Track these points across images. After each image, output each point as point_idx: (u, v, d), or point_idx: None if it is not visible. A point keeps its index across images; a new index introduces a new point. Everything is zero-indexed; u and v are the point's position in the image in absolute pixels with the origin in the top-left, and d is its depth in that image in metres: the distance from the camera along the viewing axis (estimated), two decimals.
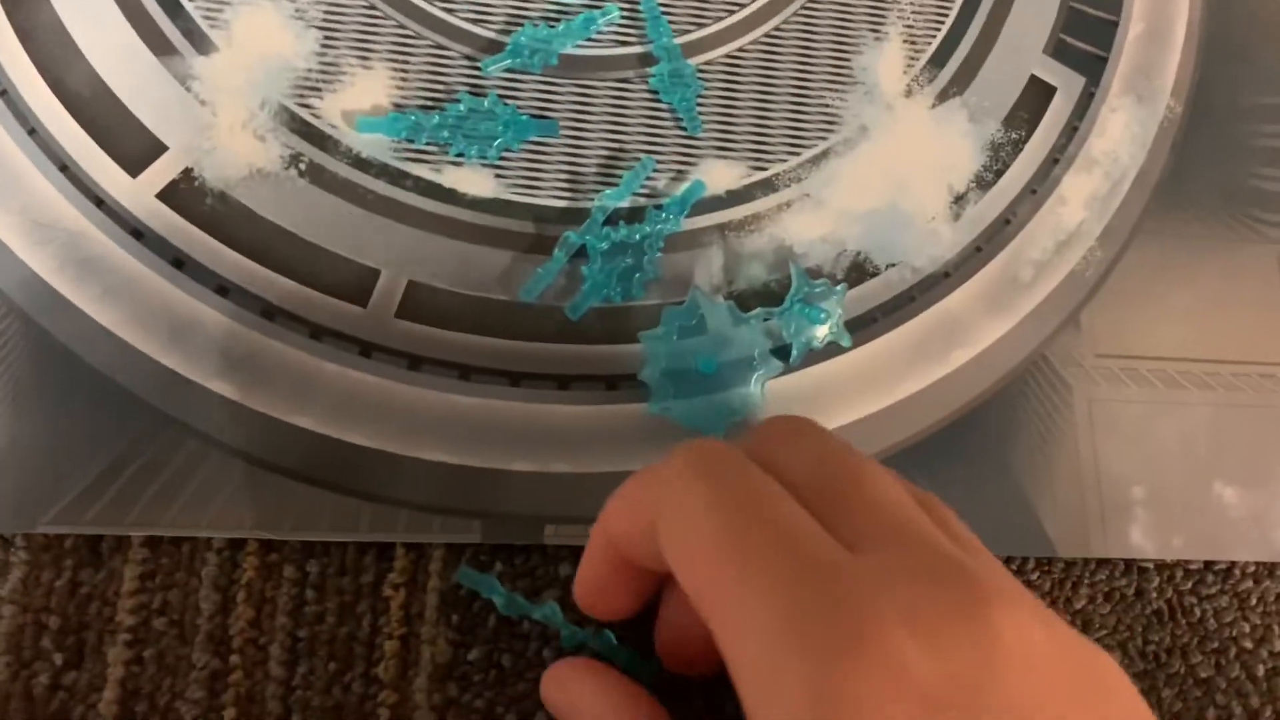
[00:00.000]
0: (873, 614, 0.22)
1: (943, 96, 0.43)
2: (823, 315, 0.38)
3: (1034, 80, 0.43)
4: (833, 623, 0.22)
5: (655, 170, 0.40)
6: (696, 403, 0.38)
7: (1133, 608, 0.38)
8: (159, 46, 0.39)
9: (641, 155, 0.40)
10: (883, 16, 0.43)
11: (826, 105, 0.42)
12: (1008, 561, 0.38)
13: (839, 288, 0.39)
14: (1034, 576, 0.38)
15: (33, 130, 0.38)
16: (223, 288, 0.37)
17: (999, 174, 0.42)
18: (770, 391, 0.38)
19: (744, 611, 0.23)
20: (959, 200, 0.42)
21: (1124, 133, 0.43)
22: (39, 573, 0.34)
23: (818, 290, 0.39)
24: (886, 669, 0.21)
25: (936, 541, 0.25)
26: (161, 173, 0.38)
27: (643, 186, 0.40)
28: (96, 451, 0.35)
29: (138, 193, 0.37)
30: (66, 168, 0.37)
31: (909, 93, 0.42)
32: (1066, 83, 0.43)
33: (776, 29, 0.42)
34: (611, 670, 0.32)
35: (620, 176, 0.40)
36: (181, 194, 0.38)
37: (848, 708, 0.21)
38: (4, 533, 0.34)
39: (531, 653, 0.35)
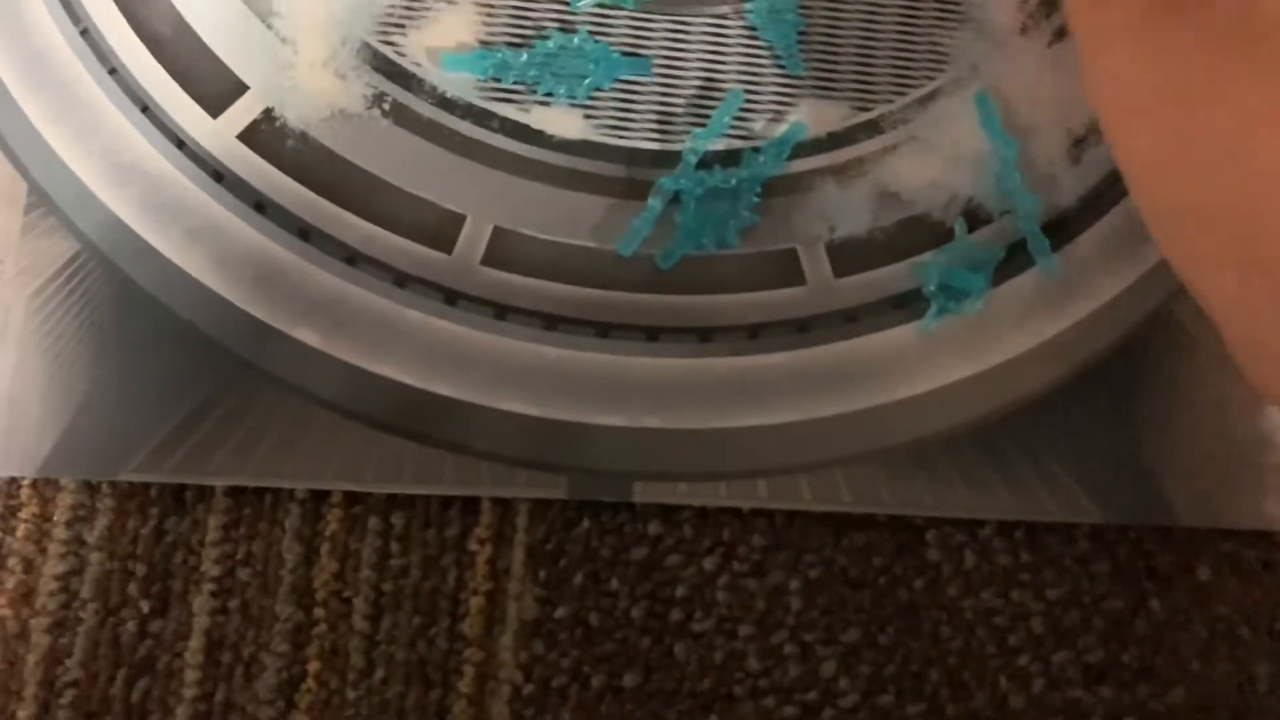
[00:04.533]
0: None
1: (1061, 34, 0.39)
2: (977, 284, 0.36)
3: None
4: None
5: (752, 111, 0.38)
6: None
7: (1260, 581, 0.35)
8: None
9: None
10: None
11: (935, 43, 0.39)
12: (1123, 530, 0.36)
13: (994, 252, 0.36)
14: (1151, 545, 0.36)
15: (113, 70, 0.37)
16: (304, 232, 0.36)
17: None
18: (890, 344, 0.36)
19: None
20: (1078, 144, 0.38)
21: None
22: (125, 520, 0.34)
23: (977, 255, 0.36)
24: None
25: None
26: (242, 113, 0.36)
27: (739, 128, 0.38)
28: (179, 399, 0.34)
29: (219, 134, 0.36)
30: (147, 108, 0.36)
31: (1024, 29, 0.39)
32: None
33: None
34: None
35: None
36: (262, 135, 0.36)
37: None
38: (90, 479, 0.34)
39: (620, 611, 0.34)
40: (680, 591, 0.34)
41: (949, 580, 0.35)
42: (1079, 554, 0.35)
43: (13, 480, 0.34)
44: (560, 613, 0.34)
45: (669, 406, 0.36)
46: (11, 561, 0.33)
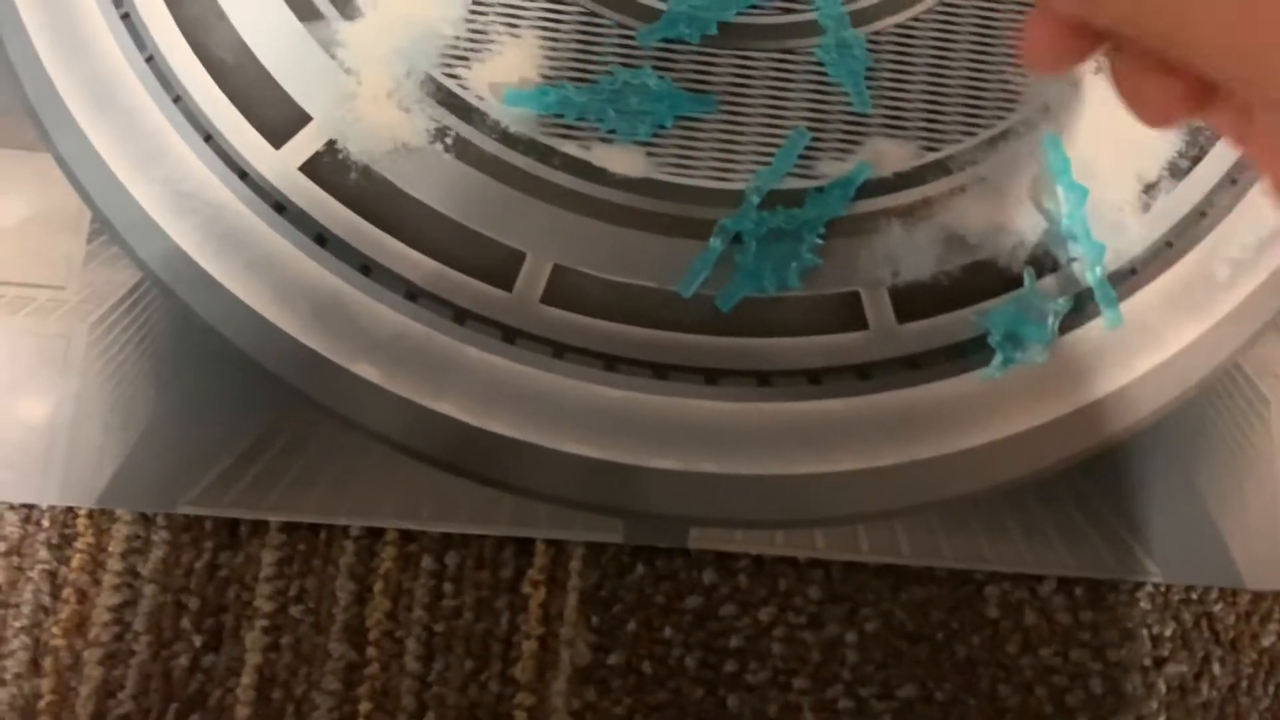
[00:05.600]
0: None
1: None
2: (1043, 335, 0.35)
3: None
4: None
5: (817, 150, 0.37)
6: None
7: None
8: (304, 10, 0.37)
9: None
10: None
11: (1006, 81, 0.38)
12: (1188, 590, 0.35)
13: (1060, 303, 0.36)
14: (1217, 608, 0.35)
15: (178, 98, 0.37)
16: (366, 267, 0.35)
17: (1195, 161, 0.38)
18: (953, 393, 0.35)
19: None
20: (1149, 189, 0.38)
21: None
22: (179, 553, 0.34)
23: (1044, 305, 0.35)
24: None
25: None
26: (305, 145, 0.36)
27: (803, 167, 0.37)
28: (237, 432, 0.34)
29: (281, 165, 0.36)
30: (210, 137, 0.36)
31: (1098, 68, 0.38)
32: None
33: None
34: None
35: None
36: (325, 167, 0.36)
37: None
38: (145, 511, 0.34)
39: (674, 660, 0.34)
40: (735, 642, 0.34)
41: (1007, 637, 0.34)
42: (1141, 615, 0.35)
43: (69, 509, 0.34)
44: (613, 659, 0.34)
45: (726, 451, 0.35)
46: (66, 592, 0.33)
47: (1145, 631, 0.34)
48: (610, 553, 0.34)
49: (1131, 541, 0.35)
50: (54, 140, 0.36)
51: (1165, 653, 0.34)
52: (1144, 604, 0.35)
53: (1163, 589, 0.35)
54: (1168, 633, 0.34)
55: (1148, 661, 0.34)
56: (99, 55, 0.37)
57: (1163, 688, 0.34)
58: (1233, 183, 0.38)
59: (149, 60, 0.37)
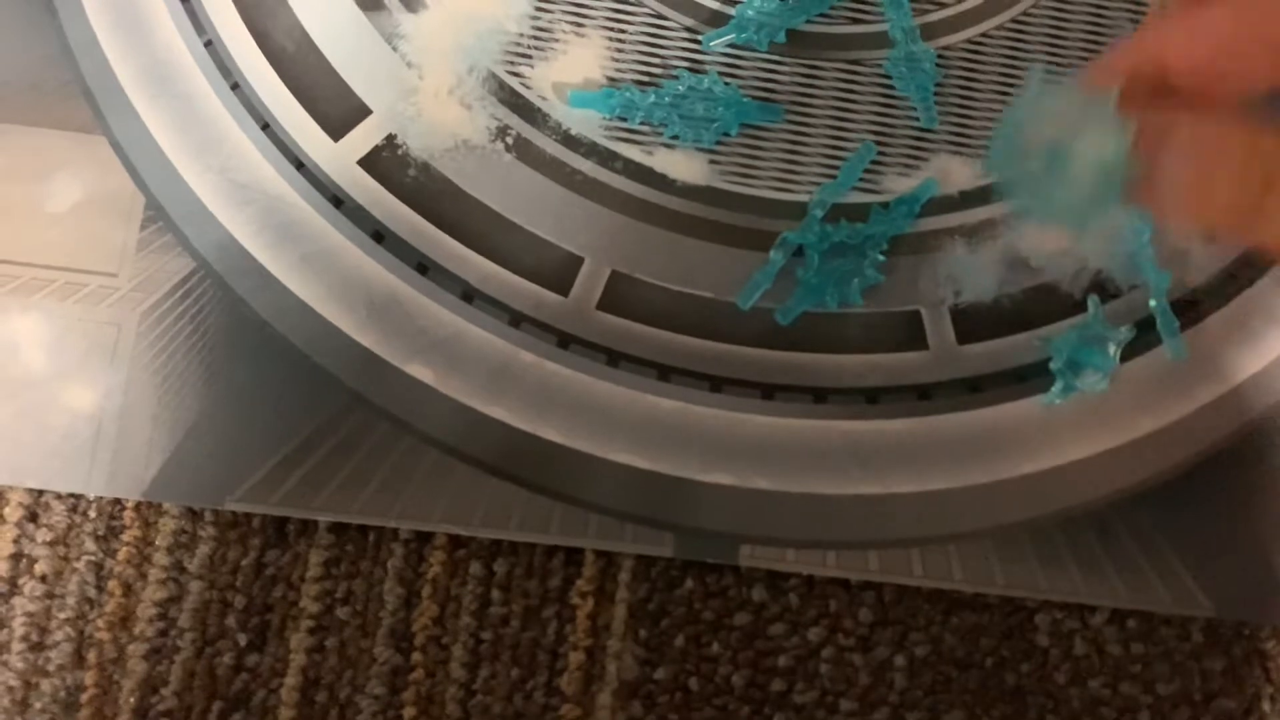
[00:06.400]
0: None
1: None
2: (1106, 364, 0.35)
3: None
4: None
5: (882, 164, 0.37)
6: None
7: None
8: (367, 0, 0.37)
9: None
10: (1142, 1, 0.39)
11: None
12: (1240, 627, 0.35)
13: (1124, 332, 0.35)
14: (1269, 645, 0.35)
15: (236, 85, 0.36)
16: (423, 265, 0.35)
17: None
18: (1011, 417, 0.35)
19: None
20: None
21: None
22: (226, 550, 0.33)
23: (1108, 333, 0.35)
24: None
25: None
26: (364, 138, 0.36)
27: (868, 181, 0.37)
28: (288, 429, 0.34)
29: (339, 158, 0.36)
30: (268, 126, 0.36)
31: None
32: None
33: (1025, 13, 0.38)
34: None
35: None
36: (384, 162, 0.36)
37: None
38: (193, 506, 0.34)
39: (720, 677, 0.33)
40: (783, 661, 0.33)
41: (1057, 667, 0.34)
42: (1192, 649, 0.34)
43: (117, 501, 0.33)
44: (660, 674, 0.33)
45: (780, 468, 0.35)
46: (111, 584, 0.33)
47: (1196, 666, 0.34)
48: (660, 566, 0.34)
49: (1185, 575, 0.35)
50: (109, 123, 0.36)
51: (1215, 688, 0.34)
52: (1196, 638, 0.34)
53: (1215, 624, 0.34)
54: (1218, 668, 0.34)
55: (1198, 696, 0.34)
56: (157, 38, 0.36)
57: None
58: None
59: (208, 45, 0.36)
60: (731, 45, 0.37)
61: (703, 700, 0.33)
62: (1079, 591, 0.35)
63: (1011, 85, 0.38)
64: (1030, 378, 0.36)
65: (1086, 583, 0.35)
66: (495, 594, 0.34)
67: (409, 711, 0.33)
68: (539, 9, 0.37)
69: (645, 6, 0.37)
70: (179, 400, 0.34)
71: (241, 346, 0.34)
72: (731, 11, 0.37)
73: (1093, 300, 0.36)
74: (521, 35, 0.37)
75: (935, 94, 0.37)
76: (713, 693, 0.33)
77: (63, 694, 0.32)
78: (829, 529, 0.34)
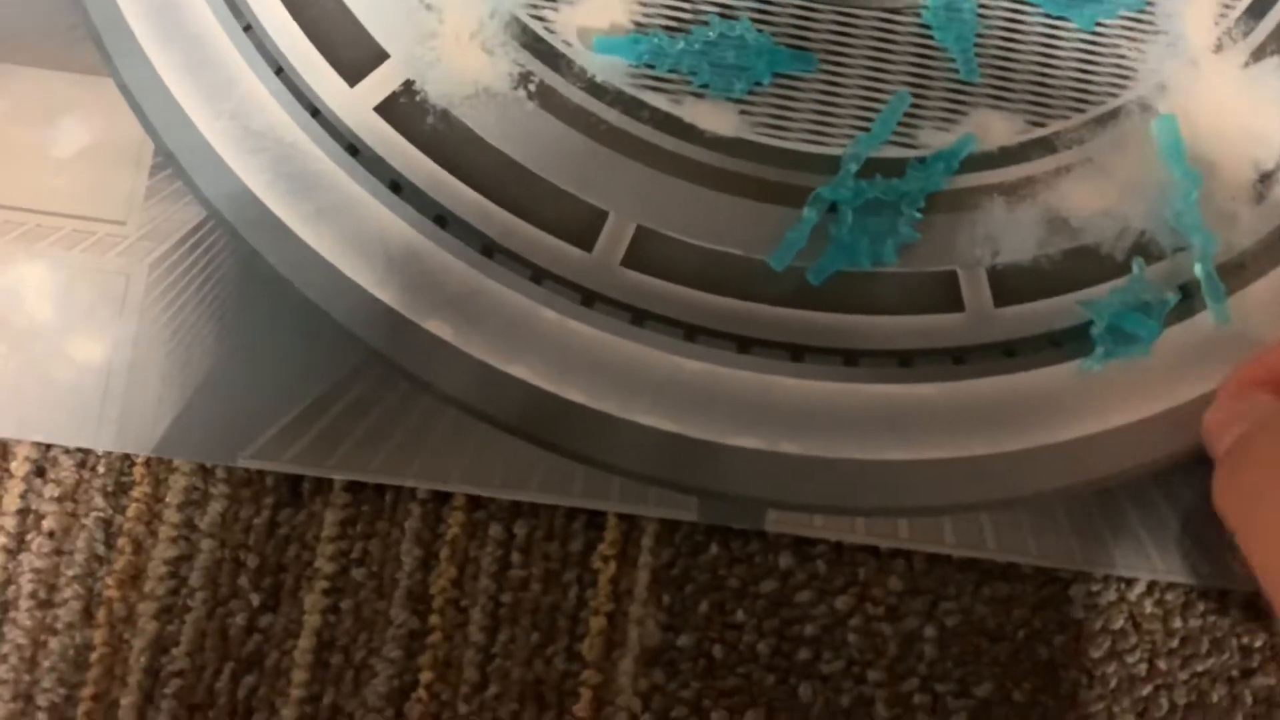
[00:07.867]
0: None
1: (1259, 54, 0.36)
2: (1149, 330, 0.33)
3: None
4: None
5: (918, 117, 0.35)
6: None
7: None
8: None
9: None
10: None
11: (1121, 56, 0.36)
12: None
13: (1170, 297, 0.34)
14: None
15: (248, 27, 0.35)
16: (441, 218, 0.34)
17: None
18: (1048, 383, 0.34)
19: None
20: (1265, 179, 0.36)
21: None
22: (238, 508, 0.33)
23: (1152, 297, 0.34)
24: None
25: None
26: (381, 83, 0.34)
27: (903, 135, 0.35)
28: (302, 385, 0.33)
29: (355, 104, 0.34)
30: (281, 70, 0.34)
31: (1219, 47, 0.36)
32: None
33: None
34: None
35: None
36: (401, 109, 0.34)
37: None
38: (204, 462, 0.33)
39: (745, 645, 0.32)
40: (809, 630, 0.33)
41: (1091, 640, 0.33)
42: (1231, 624, 0.33)
43: (126, 457, 0.33)
44: (683, 641, 0.32)
45: (809, 432, 0.34)
46: (121, 541, 0.32)
47: (1235, 641, 0.33)
48: (684, 531, 0.33)
49: (1224, 548, 0.34)
50: (116, 66, 0.34)
51: (1254, 664, 0.33)
52: (1235, 614, 0.33)
53: (1254, 599, 0.33)
54: (1257, 644, 0.33)
55: (1235, 673, 0.33)
56: None
57: (1249, 699, 0.33)
58: None
59: None
60: None
61: (726, 669, 0.32)
62: (1115, 563, 0.34)
63: (1055, 38, 0.36)
64: (1067, 342, 0.34)
65: (1123, 554, 0.34)
66: (515, 557, 0.33)
67: (425, 675, 0.32)
68: None
69: None
70: (190, 354, 0.33)
71: (254, 299, 0.33)
72: None
73: (1138, 262, 0.34)
74: None
75: (976, 45, 0.36)
76: (737, 661, 0.32)
77: (71, 652, 0.31)
78: (858, 495, 0.33)
